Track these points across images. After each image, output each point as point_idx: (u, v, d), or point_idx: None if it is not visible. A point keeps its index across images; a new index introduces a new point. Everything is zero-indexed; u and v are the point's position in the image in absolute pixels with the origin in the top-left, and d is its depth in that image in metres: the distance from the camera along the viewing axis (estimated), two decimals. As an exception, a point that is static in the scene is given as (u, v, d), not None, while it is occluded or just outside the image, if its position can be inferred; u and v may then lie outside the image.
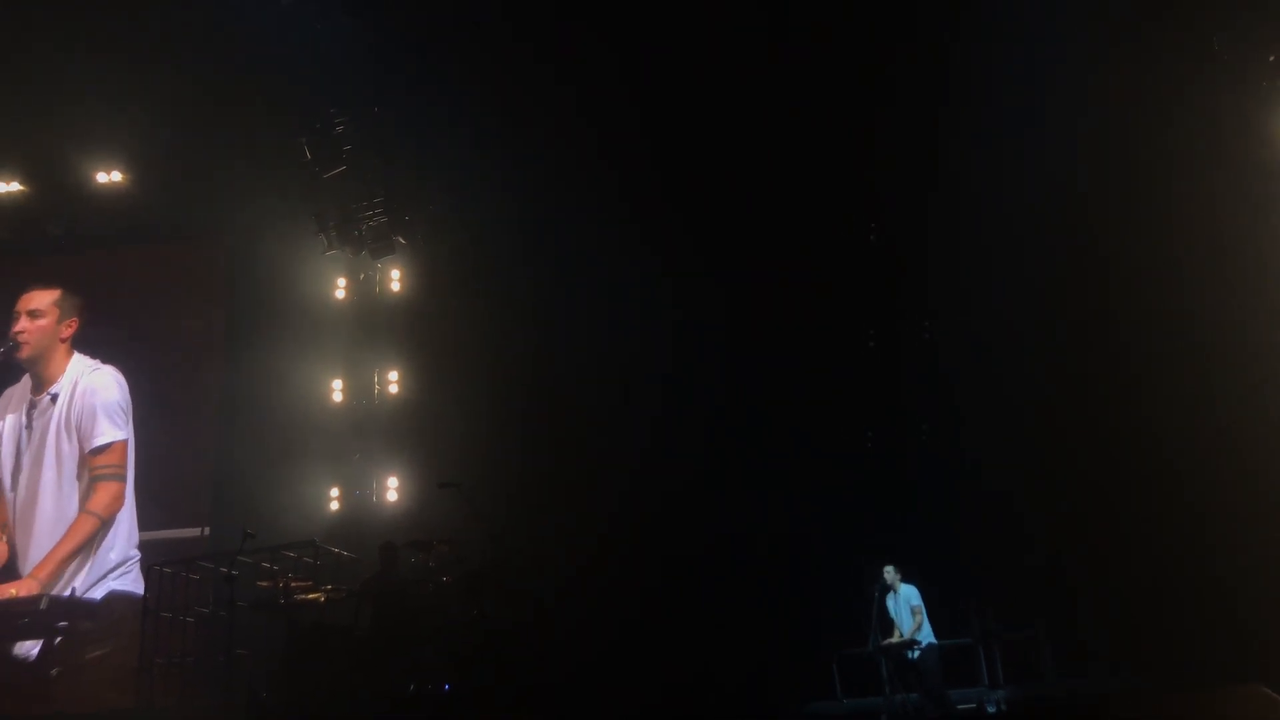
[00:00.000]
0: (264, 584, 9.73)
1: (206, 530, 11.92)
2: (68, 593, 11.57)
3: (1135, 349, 10.37)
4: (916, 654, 9.79)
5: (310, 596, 9.39)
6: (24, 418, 12.38)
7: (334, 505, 12.19)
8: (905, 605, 10.03)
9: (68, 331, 12.69)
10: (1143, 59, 10.22)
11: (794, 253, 11.43)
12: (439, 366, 12.38)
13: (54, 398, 12.36)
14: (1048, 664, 10.55)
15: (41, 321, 12.57)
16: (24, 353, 12.42)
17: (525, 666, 9.01)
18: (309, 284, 12.95)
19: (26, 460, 12.26)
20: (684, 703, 8.60)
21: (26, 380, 12.55)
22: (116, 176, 13.01)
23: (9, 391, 12.58)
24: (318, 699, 8.53)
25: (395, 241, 12.63)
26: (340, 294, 13.05)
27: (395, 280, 13.01)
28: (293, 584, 9.51)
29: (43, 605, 11.67)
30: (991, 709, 10.33)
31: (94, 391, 12.40)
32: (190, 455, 12.43)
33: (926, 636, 9.88)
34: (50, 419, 12.29)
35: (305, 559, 10.06)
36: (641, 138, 11.57)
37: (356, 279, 13.09)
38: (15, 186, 13.13)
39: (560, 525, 10.88)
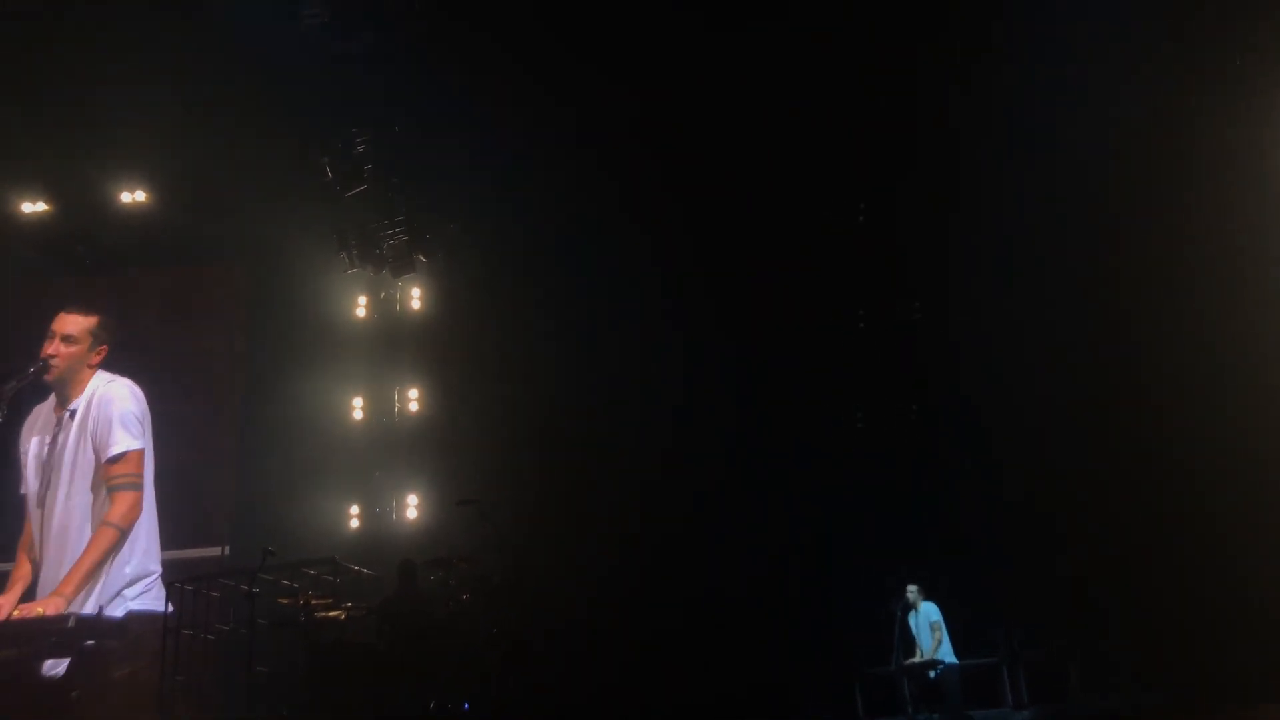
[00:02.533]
0: (285, 601, 9.74)
1: (227, 549, 11.94)
2: (93, 611, 11.61)
3: (1168, 359, 10.24)
4: (937, 674, 9.69)
5: (331, 614, 9.40)
6: (48, 436, 12.46)
7: (354, 523, 12.21)
8: (925, 622, 9.93)
9: (97, 358, 12.73)
10: (1167, 65, 10.17)
11: (814, 259, 11.39)
12: (459, 384, 12.41)
13: (73, 414, 12.44)
14: (1074, 684, 10.41)
15: (74, 348, 12.60)
16: (52, 375, 12.49)
17: (545, 683, 8.97)
18: (330, 302, 13.02)
19: (50, 478, 12.34)
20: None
21: (52, 399, 12.65)
22: (140, 196, 13.14)
23: (36, 410, 12.66)
24: (339, 717, 8.52)
25: (416, 260, 12.70)
26: (361, 312, 13.10)
27: (416, 299, 13.05)
28: (313, 601, 9.52)
29: (71, 624, 11.65)
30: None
31: (109, 402, 12.42)
32: (210, 474, 12.47)
33: (947, 655, 9.77)
34: (70, 434, 12.36)
35: (325, 576, 10.05)
36: (664, 158, 11.59)
37: (377, 297, 13.14)
38: (41, 207, 13.28)
39: (580, 542, 10.85)
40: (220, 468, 12.52)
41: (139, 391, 12.62)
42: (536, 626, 9.41)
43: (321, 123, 12.29)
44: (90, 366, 12.66)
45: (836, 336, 11.39)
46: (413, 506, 12.24)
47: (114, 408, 12.47)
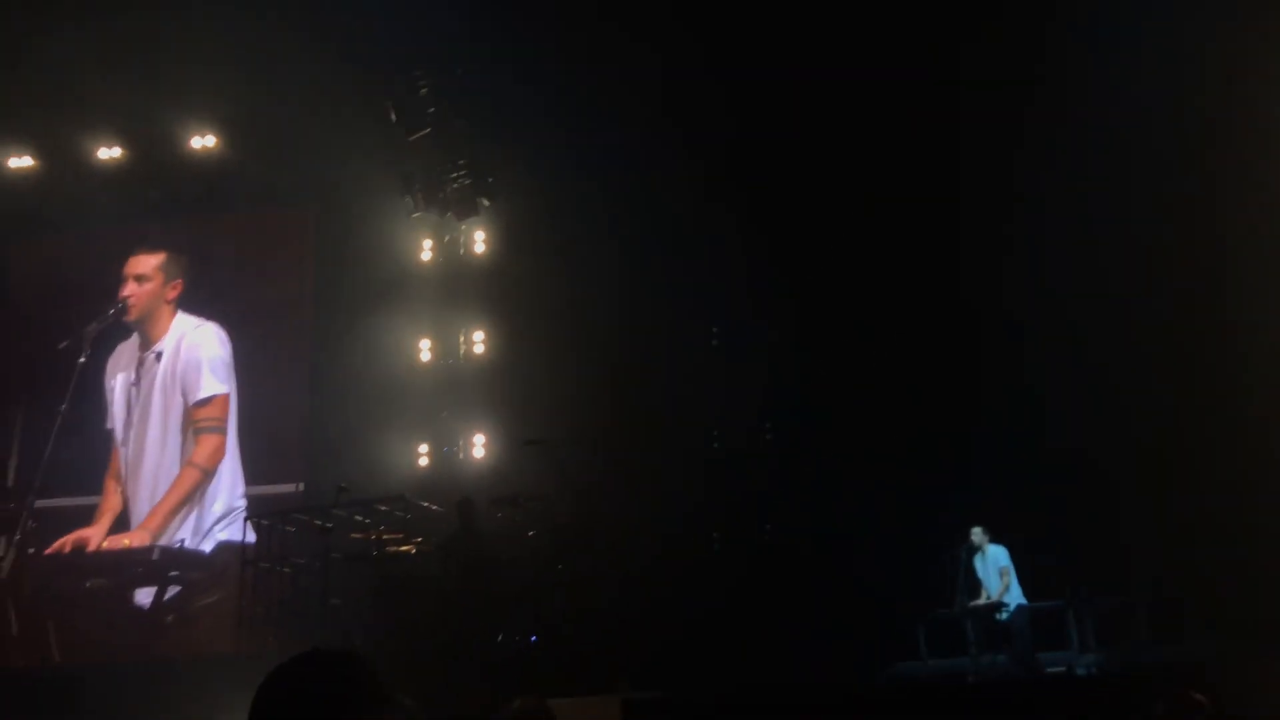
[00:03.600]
0: (357, 536, 10.05)
1: (301, 486, 12.30)
2: (177, 544, 12.13)
3: (1240, 310, 9.96)
4: (1006, 616, 9.65)
5: (402, 549, 9.68)
6: (133, 375, 12.94)
7: (423, 461, 12.45)
8: (993, 566, 9.86)
9: (172, 293, 13.21)
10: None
11: (875, 213, 11.19)
12: (524, 326, 12.50)
13: (159, 355, 12.89)
14: (1142, 628, 10.32)
15: (148, 285, 13.12)
16: (131, 315, 13.01)
17: (610, 622, 9.14)
18: (396, 246, 13.16)
19: (136, 416, 12.82)
20: (769, 664, 8.63)
21: (135, 338, 13.09)
22: (210, 141, 13.38)
23: (120, 349, 13.14)
24: (410, 649, 8.80)
25: (479, 203, 12.77)
26: (426, 256, 13.23)
27: (480, 242, 13.14)
28: (385, 536, 9.81)
29: (155, 555, 12.27)
30: (1081, 673, 10.16)
31: (197, 346, 12.91)
32: (285, 414, 12.81)
33: (1016, 598, 9.71)
34: (156, 375, 12.83)
35: (396, 513, 10.32)
36: (725, 100, 11.42)
37: (442, 241, 13.25)
38: (116, 152, 13.59)
39: (646, 484, 10.95)
40: (294, 407, 12.86)
41: (224, 335, 13.04)
42: (601, 565, 9.57)
43: (385, 66, 12.33)
44: (168, 303, 13.13)
45: (899, 283, 11.17)
46: (480, 445, 12.45)
47: (202, 352, 12.92)
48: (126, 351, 13.16)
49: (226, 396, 12.83)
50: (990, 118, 10.86)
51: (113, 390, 13.04)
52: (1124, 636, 10.33)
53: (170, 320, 13.19)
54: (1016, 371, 10.64)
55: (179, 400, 12.77)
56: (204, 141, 13.39)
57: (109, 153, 13.57)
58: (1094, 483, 10.23)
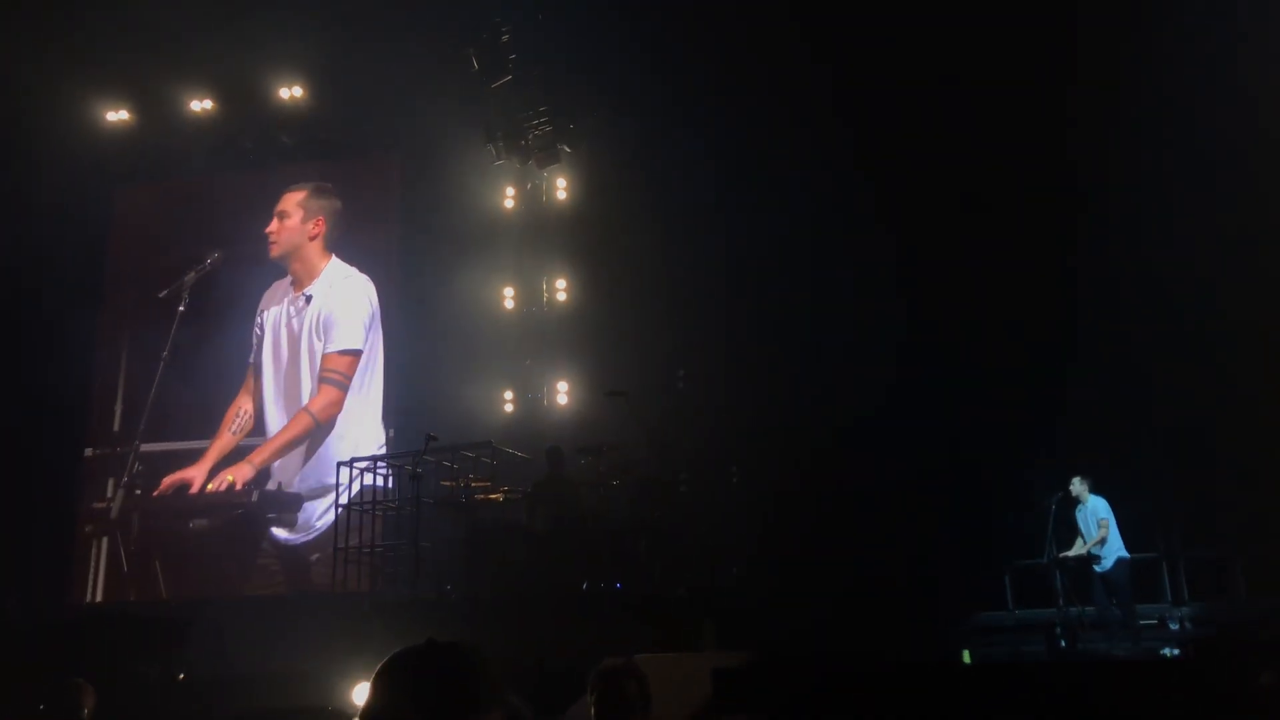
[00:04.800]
0: (447, 483, 10.27)
1: (391, 432, 12.61)
2: (294, 489, 12.62)
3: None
4: (1106, 567, 9.48)
5: (490, 496, 9.87)
6: (285, 314, 13.37)
7: (508, 408, 12.63)
8: (1092, 517, 9.67)
9: (316, 231, 13.50)
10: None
11: (974, 168, 10.82)
12: (606, 275, 12.51)
13: (309, 298, 13.30)
14: (1238, 582, 10.07)
15: (289, 221, 13.48)
16: (274, 251, 13.42)
17: (695, 571, 9.22)
18: (479, 195, 13.24)
19: (280, 354, 13.27)
20: (854, 613, 8.62)
21: (289, 279, 13.50)
22: (298, 92, 13.58)
23: (275, 286, 13.57)
24: (498, 593, 9.01)
25: (560, 150, 12.75)
26: (509, 203, 13.28)
27: (561, 189, 13.14)
28: (473, 483, 10.00)
29: (254, 499, 12.74)
30: (1174, 626, 9.97)
31: (345, 298, 13.23)
32: (373, 360, 13.12)
33: (1114, 550, 9.51)
34: (304, 318, 13.22)
35: (483, 459, 10.50)
36: (819, 43, 11.10)
37: (525, 189, 13.29)
38: (208, 104, 13.88)
39: (730, 436, 10.94)
40: (384, 354, 13.15)
41: (373, 292, 13.30)
42: (683, 514, 9.64)
43: (467, 14, 12.30)
44: (312, 240, 13.42)
45: (989, 238, 10.81)
46: (563, 393, 12.57)
47: (349, 305, 13.25)
48: (279, 290, 13.57)
49: (359, 354, 13.16)
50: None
51: (263, 327, 13.47)
52: (1219, 590, 10.12)
53: (322, 265, 13.51)
54: (1119, 325, 10.35)
55: (318, 345, 13.14)
56: (292, 92, 13.59)
57: (201, 105, 13.87)
58: (1192, 435, 9.95)
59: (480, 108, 12.67)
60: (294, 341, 13.26)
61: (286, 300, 13.49)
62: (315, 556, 12.36)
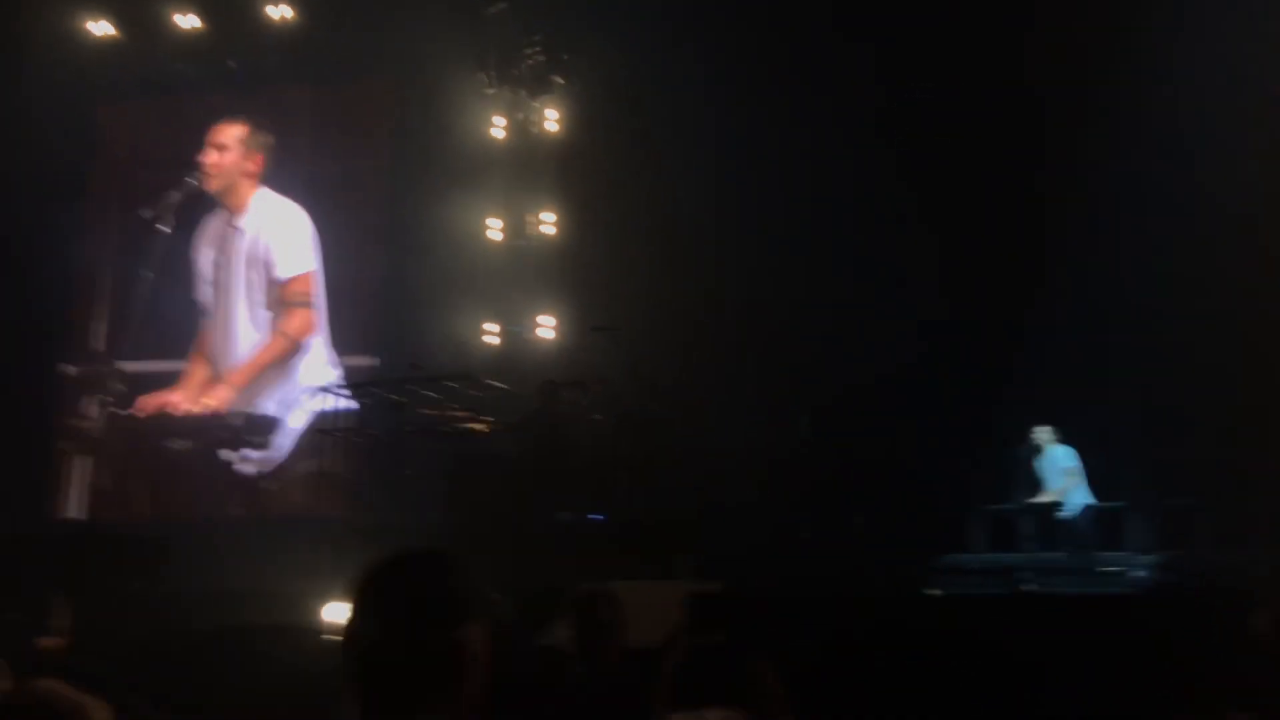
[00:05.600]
0: (429, 412, 10.35)
1: (377, 360, 12.63)
2: (272, 413, 12.65)
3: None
4: (1069, 513, 9.68)
5: (473, 426, 9.98)
6: (219, 249, 13.27)
7: (493, 340, 12.65)
8: (1056, 467, 9.86)
9: (253, 167, 13.36)
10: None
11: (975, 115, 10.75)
12: (596, 210, 12.46)
13: (240, 231, 13.18)
14: (1204, 534, 10.26)
15: (228, 155, 13.29)
16: (211, 185, 13.22)
17: (675, 503, 9.38)
18: (470, 122, 13.10)
19: (222, 289, 13.21)
20: (820, 554, 8.82)
21: (222, 213, 13.36)
22: (287, 12, 13.32)
23: (206, 221, 13.43)
24: (479, 523, 9.15)
25: (553, 81, 12.63)
26: (499, 133, 13.16)
27: (552, 121, 13.02)
28: (455, 414, 10.10)
29: (240, 422, 12.78)
30: (1137, 575, 10.19)
31: (282, 223, 13.14)
32: (359, 287, 13.08)
33: (1081, 497, 9.71)
34: (241, 249, 13.14)
35: (468, 391, 10.56)
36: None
37: (515, 119, 13.15)
38: (194, 22, 13.61)
39: (712, 371, 11.02)
40: (369, 281, 13.11)
41: (306, 216, 13.24)
42: (666, 449, 9.76)
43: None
44: (248, 176, 13.31)
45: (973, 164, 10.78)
46: (549, 327, 12.59)
47: (285, 230, 13.16)
48: (213, 225, 13.46)
49: (312, 274, 13.13)
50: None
51: (199, 263, 13.40)
52: (1186, 540, 10.31)
53: (251, 195, 13.40)
54: (1090, 266, 10.35)
55: (263, 276, 13.09)
56: (281, 12, 13.34)
57: (186, 20, 13.60)
58: (1163, 382, 10.04)
59: (475, 34, 12.50)
60: (233, 274, 13.22)
61: (220, 236, 13.41)
62: (286, 478, 12.47)
